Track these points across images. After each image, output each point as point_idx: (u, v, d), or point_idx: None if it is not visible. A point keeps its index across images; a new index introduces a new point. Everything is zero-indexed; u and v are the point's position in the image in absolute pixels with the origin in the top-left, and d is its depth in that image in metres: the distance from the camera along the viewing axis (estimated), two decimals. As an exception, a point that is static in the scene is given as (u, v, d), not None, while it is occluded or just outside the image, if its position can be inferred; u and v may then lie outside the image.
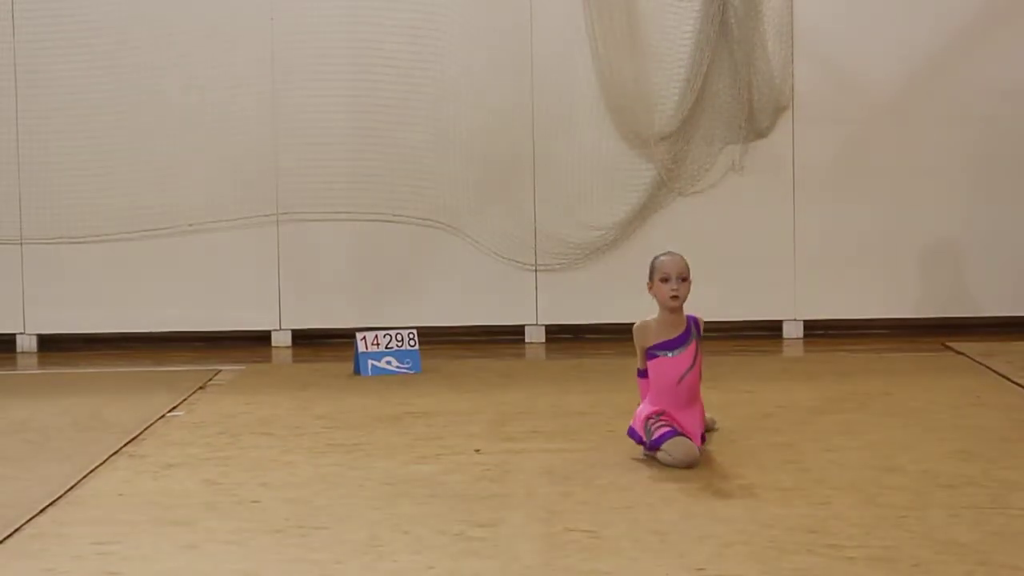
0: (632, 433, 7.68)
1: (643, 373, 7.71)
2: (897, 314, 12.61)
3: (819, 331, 12.56)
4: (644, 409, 7.60)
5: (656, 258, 7.62)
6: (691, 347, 7.55)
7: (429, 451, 8.02)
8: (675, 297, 7.48)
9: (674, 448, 7.38)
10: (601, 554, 5.94)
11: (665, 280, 7.50)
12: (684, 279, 7.50)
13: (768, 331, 12.41)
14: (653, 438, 7.47)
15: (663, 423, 7.46)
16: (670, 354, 7.53)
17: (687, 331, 7.57)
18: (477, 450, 8.00)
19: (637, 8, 12.34)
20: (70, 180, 12.44)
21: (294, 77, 12.47)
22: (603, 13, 12.27)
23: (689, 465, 7.33)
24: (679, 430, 7.45)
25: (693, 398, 7.59)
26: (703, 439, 7.71)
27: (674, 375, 7.52)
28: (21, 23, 12.43)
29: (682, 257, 7.57)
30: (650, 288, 7.59)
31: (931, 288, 12.58)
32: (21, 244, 12.53)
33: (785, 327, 12.57)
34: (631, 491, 7.00)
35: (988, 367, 10.50)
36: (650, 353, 7.57)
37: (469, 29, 12.39)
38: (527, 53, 12.43)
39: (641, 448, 7.66)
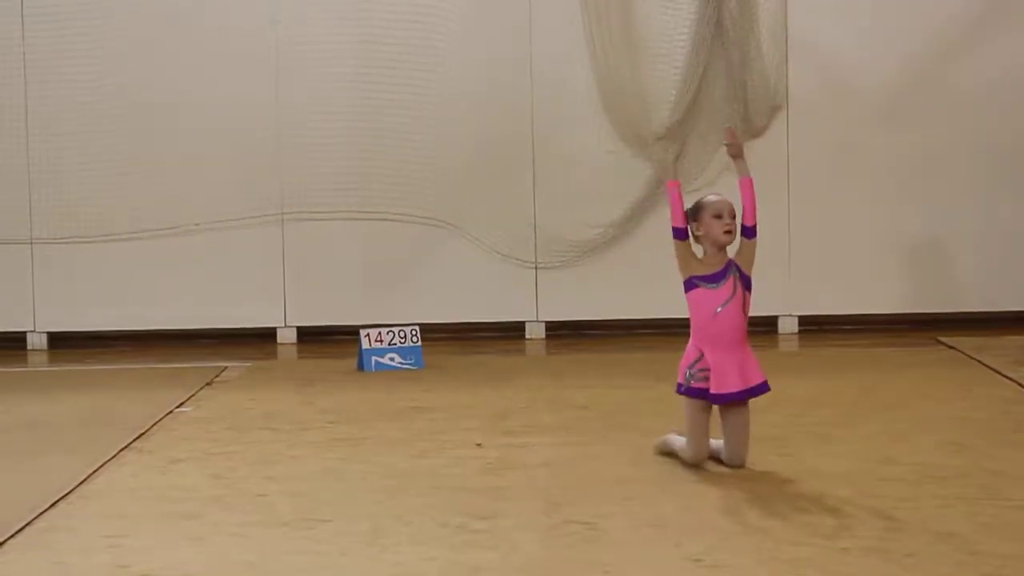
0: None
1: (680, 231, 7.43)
2: (890, 309, 12.65)
3: (813, 326, 12.62)
4: (686, 354, 7.43)
5: (703, 199, 7.46)
6: (729, 281, 7.36)
7: (431, 445, 8.10)
8: (728, 232, 7.34)
9: (691, 446, 7.39)
10: (600, 545, 6.01)
11: (718, 217, 7.35)
12: (734, 216, 7.37)
13: (763, 326, 12.43)
14: (693, 386, 7.36)
15: (703, 376, 7.35)
16: (709, 286, 7.36)
17: (727, 267, 7.39)
18: (478, 444, 8.07)
19: (634, 9, 12.39)
20: (79, 181, 12.49)
21: (298, 78, 12.52)
22: (601, 15, 12.32)
23: (699, 462, 7.35)
24: (711, 391, 7.31)
25: (733, 340, 7.34)
26: (750, 392, 7.38)
27: (711, 307, 7.33)
28: (30, 26, 12.49)
29: (726, 198, 7.45)
30: (698, 227, 7.38)
31: (923, 284, 12.63)
32: (31, 244, 12.58)
33: (780, 322, 12.63)
34: (629, 483, 7.07)
35: (979, 361, 10.57)
36: (690, 283, 7.39)
37: (469, 30, 12.44)
38: (526, 54, 12.48)
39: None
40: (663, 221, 12.56)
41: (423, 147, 12.50)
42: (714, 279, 7.39)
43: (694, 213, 7.43)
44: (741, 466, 7.38)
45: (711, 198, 7.46)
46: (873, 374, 10.19)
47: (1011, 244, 12.53)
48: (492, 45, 12.46)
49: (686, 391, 7.41)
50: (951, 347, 11.34)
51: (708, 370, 7.35)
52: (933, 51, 12.49)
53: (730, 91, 12.36)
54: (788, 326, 12.62)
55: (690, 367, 7.41)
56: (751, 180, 7.46)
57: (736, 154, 7.54)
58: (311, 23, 12.51)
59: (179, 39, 12.51)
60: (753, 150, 12.29)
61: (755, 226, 7.41)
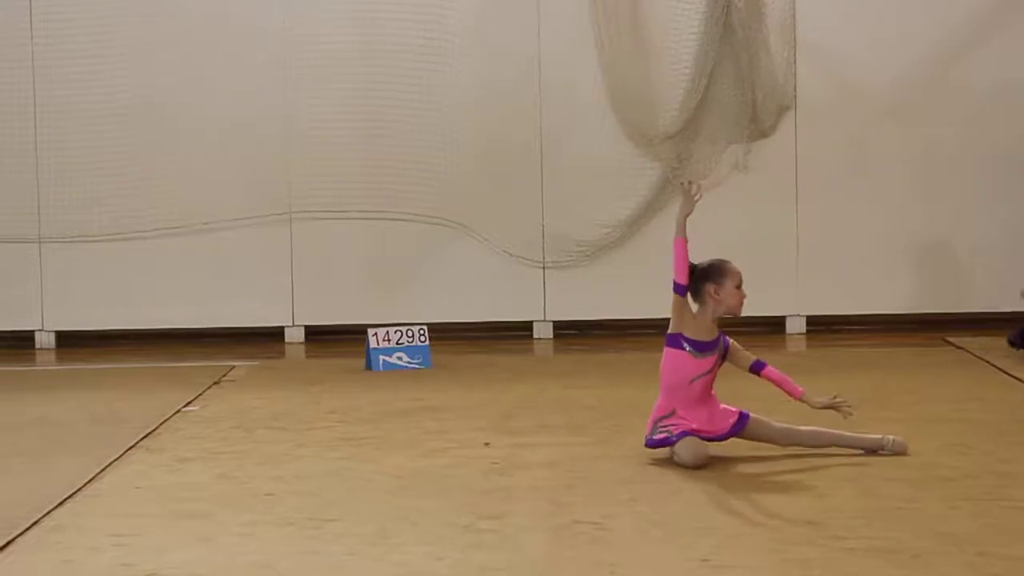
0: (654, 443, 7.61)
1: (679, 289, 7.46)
2: (898, 309, 12.68)
3: (821, 326, 12.64)
4: (656, 408, 7.56)
5: (722, 263, 7.52)
6: (714, 356, 7.47)
7: (438, 445, 8.12)
8: (742, 303, 7.50)
9: (683, 449, 7.40)
10: (607, 545, 6.03)
11: (739, 287, 7.48)
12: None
13: (771, 326, 12.49)
14: (655, 438, 7.51)
15: (666, 430, 7.47)
16: (694, 354, 7.43)
17: (716, 342, 7.49)
18: (486, 444, 8.09)
19: (642, 10, 12.42)
20: (87, 180, 12.54)
21: (306, 79, 12.55)
22: (609, 15, 12.35)
23: (698, 466, 7.35)
24: (680, 436, 7.43)
25: (704, 399, 7.50)
26: (734, 431, 7.55)
27: (689, 374, 7.44)
28: (39, 27, 12.52)
29: None
30: (717, 291, 7.44)
31: (931, 284, 12.66)
32: (39, 243, 12.62)
33: (788, 322, 12.65)
34: (636, 483, 7.10)
35: (986, 361, 10.60)
36: (676, 340, 7.45)
37: (477, 31, 12.47)
38: (534, 54, 12.51)
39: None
40: (670, 221, 12.63)
41: (431, 147, 12.53)
42: (703, 349, 7.47)
43: (713, 275, 7.47)
44: (786, 444, 7.61)
45: (730, 264, 7.53)
46: (881, 374, 10.21)
47: (1019, 245, 12.53)
48: (500, 45, 12.49)
49: (649, 442, 7.55)
50: (959, 347, 11.37)
51: (675, 427, 7.45)
52: (942, 51, 12.51)
53: (738, 91, 12.38)
54: (796, 326, 12.64)
55: (658, 420, 7.53)
56: (800, 396, 7.58)
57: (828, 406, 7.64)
58: (319, 24, 12.54)
59: (187, 40, 12.55)
60: (761, 151, 12.39)
61: (763, 372, 7.59)
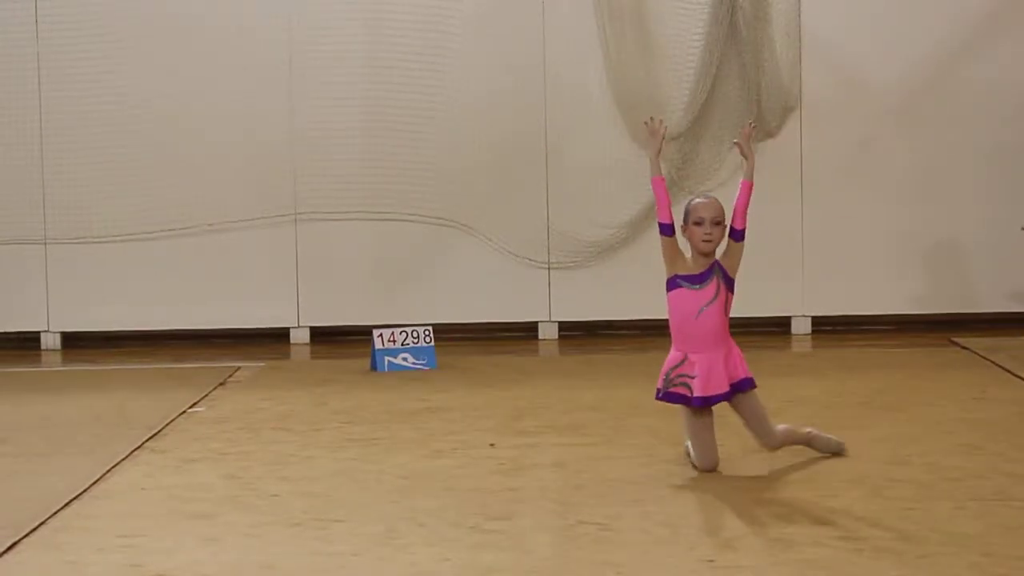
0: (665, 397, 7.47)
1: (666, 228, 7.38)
2: (903, 310, 12.68)
3: (826, 327, 12.64)
4: (668, 360, 7.41)
5: (691, 200, 7.45)
6: (713, 282, 7.34)
7: (444, 446, 8.13)
8: (707, 241, 7.30)
9: (697, 451, 7.38)
10: (613, 546, 6.03)
11: (699, 224, 7.31)
12: (718, 223, 7.31)
13: (777, 327, 12.49)
14: (671, 391, 7.35)
15: (682, 381, 7.33)
16: (691, 286, 7.33)
17: (711, 269, 7.35)
18: (492, 444, 8.10)
19: (647, 10, 12.43)
20: (92, 181, 12.55)
21: (309, 80, 12.56)
22: (614, 15, 12.36)
23: (708, 470, 7.32)
24: (695, 394, 7.29)
25: (716, 339, 7.33)
26: (736, 388, 7.35)
27: (693, 307, 7.29)
28: (44, 28, 12.53)
29: (716, 200, 7.41)
30: (684, 230, 7.38)
31: (937, 285, 12.65)
32: (45, 244, 12.64)
33: (793, 323, 12.65)
34: (642, 484, 7.11)
35: (993, 362, 10.59)
36: (672, 282, 7.37)
37: (482, 32, 12.48)
38: (539, 55, 12.51)
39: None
40: (676, 221, 12.66)
41: (436, 148, 12.54)
42: (697, 280, 7.37)
43: (684, 215, 7.41)
44: (776, 447, 7.44)
45: (697, 201, 7.43)
46: (886, 375, 10.20)
47: (1026, 245, 12.57)
48: (505, 47, 12.49)
49: (664, 396, 7.41)
50: (965, 348, 11.36)
51: (689, 376, 7.33)
52: (947, 51, 12.51)
53: (743, 92, 12.39)
54: (801, 327, 12.64)
55: (669, 372, 7.39)
56: (750, 184, 7.44)
57: (744, 154, 7.51)
58: (323, 26, 12.54)
59: (192, 41, 12.56)
60: (766, 151, 12.38)
61: (743, 230, 7.38)
